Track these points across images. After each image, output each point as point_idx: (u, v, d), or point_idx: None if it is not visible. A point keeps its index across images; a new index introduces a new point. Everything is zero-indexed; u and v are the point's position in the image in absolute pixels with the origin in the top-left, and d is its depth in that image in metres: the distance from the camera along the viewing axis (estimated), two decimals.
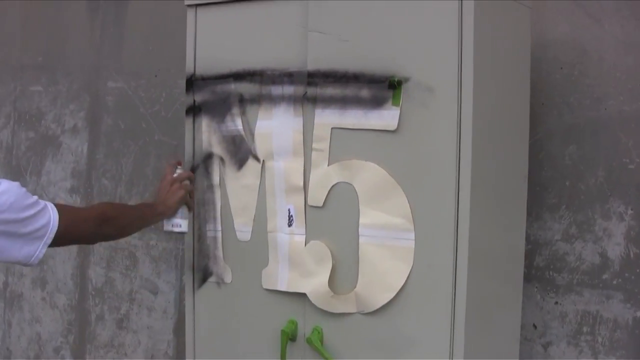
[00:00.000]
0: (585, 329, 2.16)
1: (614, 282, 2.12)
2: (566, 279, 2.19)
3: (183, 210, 2.08)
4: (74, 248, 3.17)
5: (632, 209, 2.11)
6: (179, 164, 2.12)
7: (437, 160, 1.74)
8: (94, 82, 3.18)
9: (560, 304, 2.20)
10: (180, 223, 2.08)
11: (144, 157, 3.02)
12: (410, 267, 1.76)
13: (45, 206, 1.74)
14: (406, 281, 1.77)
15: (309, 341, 1.88)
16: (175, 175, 2.08)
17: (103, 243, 3.08)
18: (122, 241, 3.04)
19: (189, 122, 2.14)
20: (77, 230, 1.82)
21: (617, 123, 2.14)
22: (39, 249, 1.73)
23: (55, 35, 3.31)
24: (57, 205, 1.78)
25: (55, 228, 1.73)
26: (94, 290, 3.15)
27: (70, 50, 3.27)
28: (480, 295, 1.81)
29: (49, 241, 1.74)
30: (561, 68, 2.21)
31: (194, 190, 2.11)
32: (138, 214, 2.03)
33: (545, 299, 2.22)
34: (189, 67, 2.13)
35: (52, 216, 1.73)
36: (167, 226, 2.09)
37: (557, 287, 2.20)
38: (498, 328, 1.97)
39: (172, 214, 2.07)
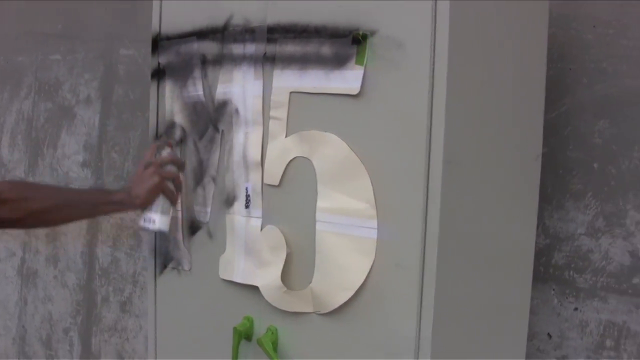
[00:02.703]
0: (608, 343, 1.80)
1: None
2: (589, 282, 1.82)
3: (165, 203, 1.70)
4: (83, 224, 3.01)
5: None
6: (169, 145, 1.75)
7: (406, 132, 1.42)
8: (108, 50, 3.00)
9: (581, 311, 1.84)
10: (154, 218, 1.68)
11: None
12: (372, 262, 1.46)
13: None
14: (367, 279, 1.47)
15: (259, 343, 1.60)
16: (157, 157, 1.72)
17: (109, 219, 2.91)
18: (127, 218, 2.85)
19: (153, 87, 1.89)
20: None
21: None
22: None
23: (74, 1, 3.15)
24: None
25: None
26: (100, 270, 2.98)
27: (88, 17, 3.10)
28: (461, 297, 1.49)
29: None
30: (594, 26, 1.83)
31: (180, 178, 1.74)
32: (71, 199, 1.68)
33: (564, 304, 1.86)
34: (154, 26, 1.88)
35: None
36: (140, 221, 1.70)
37: (578, 291, 1.84)
38: (492, 336, 1.64)
39: (140, 204, 1.68)
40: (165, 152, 1.74)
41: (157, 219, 1.69)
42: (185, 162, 1.76)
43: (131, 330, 2.88)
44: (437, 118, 1.38)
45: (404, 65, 1.41)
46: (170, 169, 1.72)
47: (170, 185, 1.71)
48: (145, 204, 1.69)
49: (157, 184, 1.68)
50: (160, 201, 1.70)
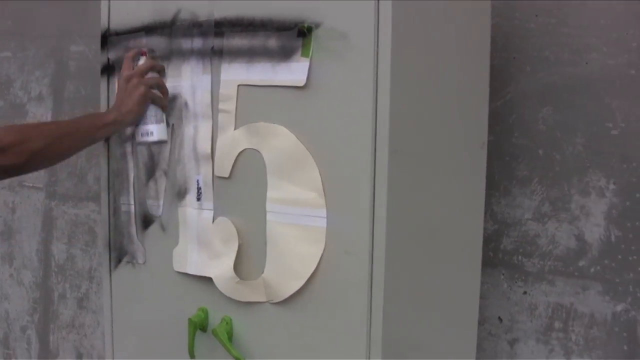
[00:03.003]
0: (557, 325, 1.84)
1: (592, 270, 1.79)
2: (537, 266, 1.87)
3: (157, 112, 1.68)
4: (38, 222, 2.98)
5: (614, 183, 1.77)
6: (143, 53, 1.70)
7: (352, 122, 1.44)
8: (59, 47, 2.97)
9: (530, 295, 1.88)
10: (152, 130, 1.66)
11: None
12: (322, 251, 1.48)
13: None
14: (317, 267, 1.49)
15: (214, 333, 1.62)
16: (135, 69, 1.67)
17: (64, 216, 2.89)
18: (82, 215, 2.84)
19: (103, 82, 1.89)
20: None
21: (599, 80, 1.80)
22: None
23: None
24: None
25: None
26: (56, 267, 2.96)
27: (38, 13, 3.06)
28: (410, 283, 1.52)
29: None
30: (536, 15, 1.87)
31: (164, 83, 1.70)
32: (68, 130, 1.62)
33: (513, 288, 1.90)
34: (103, 22, 1.88)
35: None
36: (138, 137, 1.68)
37: (526, 275, 1.88)
38: (443, 321, 1.67)
39: (133, 119, 1.66)
40: (142, 61, 1.71)
41: (154, 130, 1.68)
42: (163, 65, 1.72)
43: (89, 327, 2.87)
44: (382, 107, 1.40)
45: (348, 56, 1.43)
46: (152, 75, 1.70)
47: (157, 92, 1.69)
48: (138, 117, 1.67)
49: (143, 93, 1.66)
50: (152, 111, 1.68)
